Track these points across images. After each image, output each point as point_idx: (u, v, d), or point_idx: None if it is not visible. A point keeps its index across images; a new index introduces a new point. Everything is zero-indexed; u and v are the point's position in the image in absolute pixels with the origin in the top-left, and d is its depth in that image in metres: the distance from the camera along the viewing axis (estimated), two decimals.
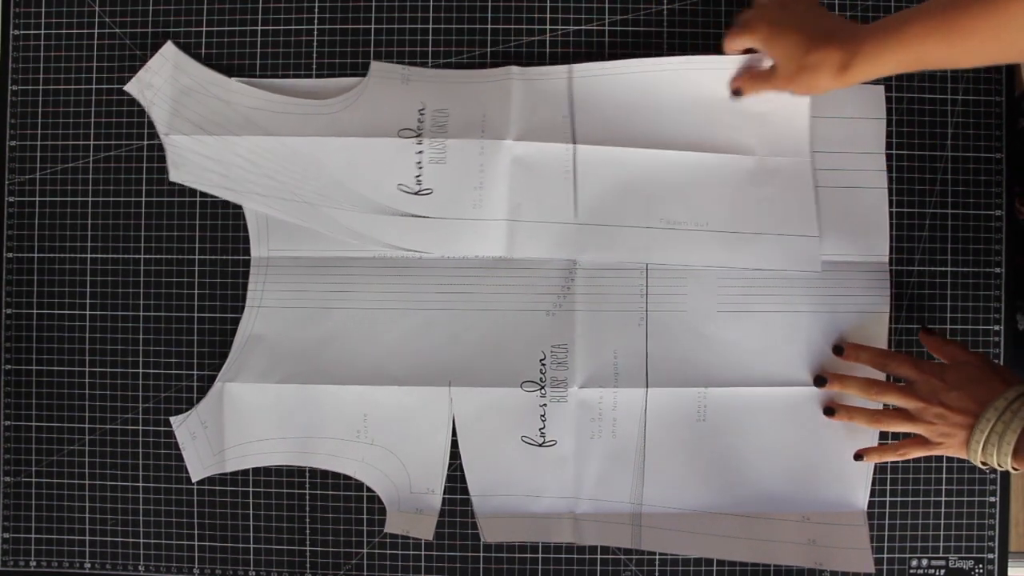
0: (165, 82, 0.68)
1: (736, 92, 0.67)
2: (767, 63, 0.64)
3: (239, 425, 0.68)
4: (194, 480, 0.69)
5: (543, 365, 0.67)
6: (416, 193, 0.67)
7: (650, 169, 0.67)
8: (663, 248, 0.67)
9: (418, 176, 0.67)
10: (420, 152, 0.67)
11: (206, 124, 0.68)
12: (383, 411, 0.67)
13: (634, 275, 0.68)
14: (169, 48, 0.69)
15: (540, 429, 0.67)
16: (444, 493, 0.68)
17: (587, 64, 0.68)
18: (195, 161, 0.68)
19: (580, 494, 0.68)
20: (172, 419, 0.68)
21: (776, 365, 0.67)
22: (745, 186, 0.67)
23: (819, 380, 0.67)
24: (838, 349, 0.67)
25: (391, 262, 0.68)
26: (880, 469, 0.69)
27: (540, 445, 0.67)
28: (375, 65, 0.69)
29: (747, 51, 0.66)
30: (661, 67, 0.68)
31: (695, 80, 0.67)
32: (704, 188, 0.67)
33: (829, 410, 0.67)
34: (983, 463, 0.59)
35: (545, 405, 0.67)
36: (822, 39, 0.58)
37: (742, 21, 0.63)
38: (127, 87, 0.69)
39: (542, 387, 0.67)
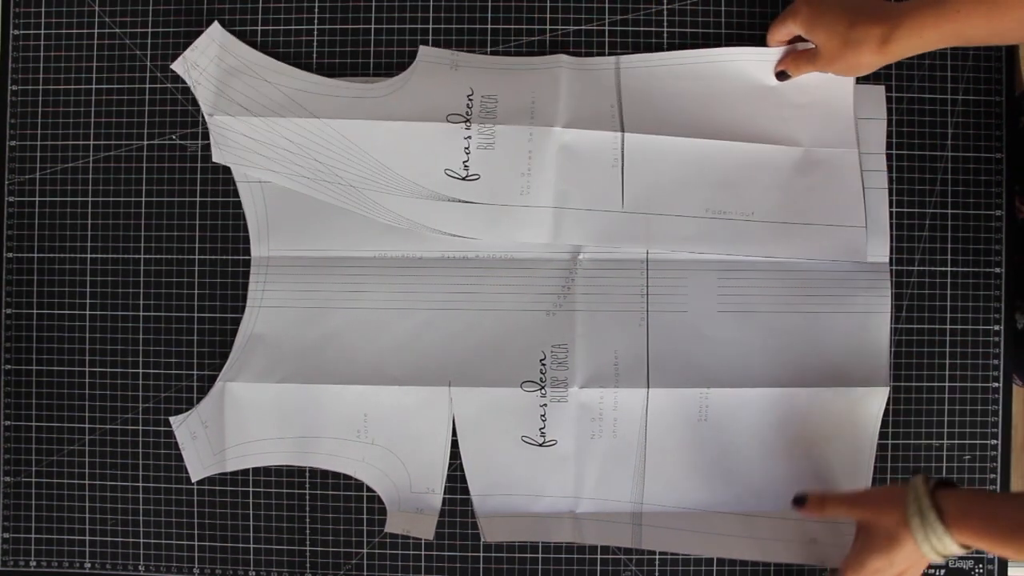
0: (211, 62, 0.68)
1: (781, 75, 0.67)
2: (811, 46, 0.65)
3: (240, 425, 0.68)
4: (193, 480, 0.69)
5: (543, 365, 0.67)
6: (463, 179, 0.67)
7: (697, 159, 0.67)
8: (709, 239, 0.67)
9: (465, 161, 0.67)
10: (468, 137, 0.67)
11: (251, 105, 0.68)
12: (383, 411, 0.67)
13: (634, 275, 0.68)
14: (216, 28, 0.69)
15: (540, 429, 0.67)
16: (444, 493, 0.68)
17: (634, 55, 0.68)
18: (239, 142, 0.68)
19: (580, 493, 0.68)
20: (172, 419, 0.68)
21: (778, 366, 0.67)
22: (792, 176, 0.68)
23: (798, 500, 0.64)
24: (799, 500, 0.64)
25: (391, 262, 0.68)
26: (880, 470, 0.68)
27: (540, 445, 0.67)
28: (423, 50, 0.69)
29: (791, 43, 0.67)
30: (708, 58, 0.68)
31: (742, 71, 0.68)
32: (751, 178, 0.67)
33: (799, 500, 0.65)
34: (945, 557, 0.56)
35: (545, 405, 0.67)
36: (862, 16, 0.59)
37: (784, 11, 0.64)
38: (173, 66, 0.68)
39: (542, 387, 0.67)
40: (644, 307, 0.68)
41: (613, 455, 0.68)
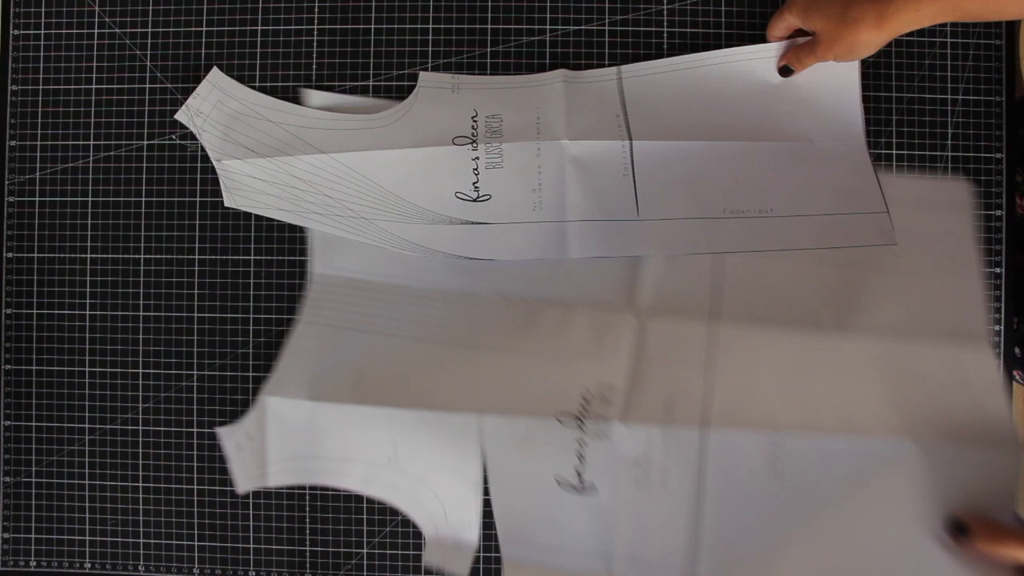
0: (214, 108, 0.68)
1: (784, 70, 0.67)
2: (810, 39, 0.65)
3: (281, 441, 0.66)
4: (240, 492, 0.68)
5: (585, 400, 0.62)
6: (475, 200, 0.66)
7: (708, 161, 0.67)
8: (729, 237, 0.66)
9: (475, 183, 0.66)
10: (476, 158, 0.66)
11: (257, 147, 0.67)
12: (412, 437, 0.64)
13: (698, 331, 0.64)
14: (215, 74, 0.68)
15: (576, 468, 0.62)
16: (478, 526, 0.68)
17: (635, 64, 0.68)
18: (249, 184, 0.68)
19: (618, 550, 0.62)
20: (219, 431, 0.68)
21: (859, 410, 0.60)
22: (804, 170, 0.67)
23: (959, 529, 0.55)
24: (959, 528, 0.55)
25: (449, 296, 0.67)
26: None
27: (575, 488, 0.62)
28: (424, 76, 0.69)
29: (791, 38, 0.67)
30: (709, 61, 0.68)
31: (745, 70, 0.68)
32: (764, 175, 0.67)
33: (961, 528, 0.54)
34: None
35: (583, 441, 0.61)
36: None
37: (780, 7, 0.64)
38: (177, 115, 0.68)
39: (581, 420, 0.61)
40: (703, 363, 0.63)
41: (662, 509, 0.60)
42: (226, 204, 0.68)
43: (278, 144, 0.67)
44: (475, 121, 0.67)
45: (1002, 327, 0.69)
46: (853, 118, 0.68)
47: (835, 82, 0.68)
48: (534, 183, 0.67)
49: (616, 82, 0.68)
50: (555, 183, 0.67)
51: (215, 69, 0.69)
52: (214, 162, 0.68)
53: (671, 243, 0.67)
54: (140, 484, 0.70)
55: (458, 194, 0.67)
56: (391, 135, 0.67)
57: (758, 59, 0.68)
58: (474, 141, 0.66)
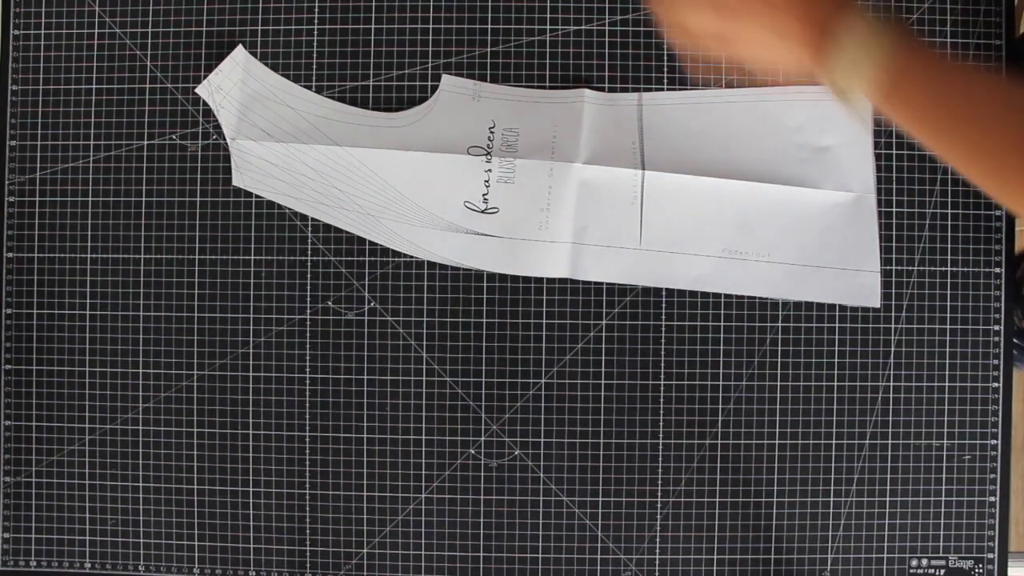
0: (234, 86, 0.69)
1: None
2: None
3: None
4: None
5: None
6: (483, 211, 0.67)
7: (717, 199, 0.67)
8: (724, 278, 0.68)
9: (485, 194, 0.67)
10: (488, 171, 0.67)
11: (273, 130, 0.68)
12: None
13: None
14: (240, 52, 0.69)
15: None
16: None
17: (657, 93, 0.69)
18: (260, 167, 0.68)
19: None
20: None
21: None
22: (810, 219, 0.68)
23: None
24: None
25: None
26: (881, 470, 0.69)
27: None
28: (446, 79, 0.69)
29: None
30: (731, 98, 0.68)
31: (765, 111, 0.68)
32: (769, 220, 0.67)
33: None
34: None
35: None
36: None
37: None
38: (197, 90, 0.69)
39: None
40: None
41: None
42: (234, 183, 0.69)
43: (294, 131, 0.68)
44: (492, 132, 0.68)
45: (1002, 327, 0.69)
46: (866, 171, 0.68)
47: (851, 134, 0.68)
48: (543, 202, 0.67)
49: (636, 108, 0.68)
50: (563, 204, 0.67)
51: (240, 47, 0.69)
52: (228, 140, 0.68)
53: (668, 277, 0.68)
54: (140, 484, 0.70)
55: (467, 203, 0.67)
56: (408, 136, 0.68)
57: (780, 101, 0.68)
58: (488, 153, 0.67)
